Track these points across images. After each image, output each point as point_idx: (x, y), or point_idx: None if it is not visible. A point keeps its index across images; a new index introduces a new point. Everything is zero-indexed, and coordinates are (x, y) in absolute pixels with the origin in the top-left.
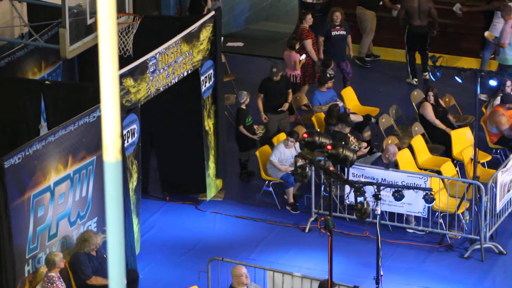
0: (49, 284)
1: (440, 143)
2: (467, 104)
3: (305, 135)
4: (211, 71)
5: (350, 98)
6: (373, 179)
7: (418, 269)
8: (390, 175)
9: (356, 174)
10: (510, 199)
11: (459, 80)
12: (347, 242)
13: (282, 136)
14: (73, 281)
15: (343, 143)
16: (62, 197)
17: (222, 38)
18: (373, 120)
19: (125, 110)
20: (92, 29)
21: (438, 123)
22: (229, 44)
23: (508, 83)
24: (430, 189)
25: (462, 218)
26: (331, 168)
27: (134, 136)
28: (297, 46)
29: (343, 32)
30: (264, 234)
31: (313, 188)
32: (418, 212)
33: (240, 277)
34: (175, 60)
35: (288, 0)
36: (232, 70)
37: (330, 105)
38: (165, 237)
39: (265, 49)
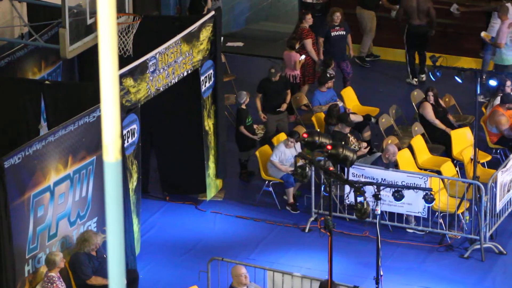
0: (49, 284)
1: (440, 143)
2: (467, 104)
3: (305, 135)
4: (211, 71)
5: (350, 98)
6: (373, 179)
7: (418, 269)
8: (390, 175)
9: (356, 174)
10: (510, 199)
11: (459, 80)
12: (347, 242)
13: (282, 136)
14: (73, 281)
15: (343, 143)
16: (62, 197)
17: (222, 38)
18: (373, 120)
19: (125, 110)
20: (92, 29)
21: (438, 123)
22: (229, 44)
23: (508, 83)
24: (430, 189)
25: (462, 218)
26: (331, 168)
27: (134, 136)
28: (297, 46)
29: (343, 32)
30: (264, 234)
31: (313, 188)
32: (418, 212)
33: (239, 277)
34: (175, 60)
35: (288, 0)
36: (232, 70)
37: (330, 105)
38: (165, 237)
39: (265, 49)
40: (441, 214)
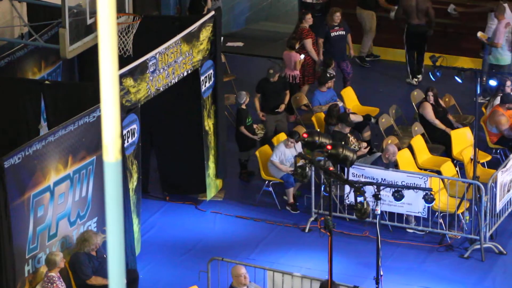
0: (49, 284)
1: (440, 143)
2: (467, 104)
3: (305, 135)
4: (211, 71)
5: (350, 98)
6: (373, 179)
7: (418, 269)
8: (390, 175)
9: (356, 174)
10: (510, 199)
11: (459, 80)
12: (347, 242)
13: (282, 136)
14: (73, 281)
15: (343, 143)
16: (62, 197)
17: (222, 38)
18: (373, 120)
19: (125, 110)
20: (92, 29)
21: (438, 123)
22: (229, 44)
23: (508, 83)
24: (430, 189)
25: (462, 218)
26: (331, 168)
27: (134, 136)
28: (297, 46)
29: (342, 32)
30: (264, 234)
31: (313, 188)
32: (418, 212)
33: (239, 277)
34: (175, 60)
35: (288, 0)
36: (232, 70)
37: (330, 105)
38: (165, 237)
39: (265, 49)
40: (441, 214)
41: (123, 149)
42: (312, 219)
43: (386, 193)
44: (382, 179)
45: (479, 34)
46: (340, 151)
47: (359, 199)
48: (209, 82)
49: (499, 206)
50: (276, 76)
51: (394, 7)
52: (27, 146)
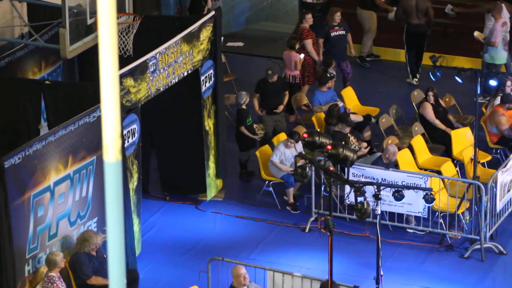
0: (50, 284)
1: (440, 143)
2: (467, 104)
3: (305, 135)
4: (211, 71)
5: (350, 98)
6: (373, 179)
7: (418, 269)
8: (390, 175)
9: (356, 174)
10: (510, 199)
11: (459, 80)
12: (347, 242)
13: (283, 136)
14: (73, 281)
15: (343, 143)
16: (62, 197)
17: (222, 38)
18: (373, 120)
19: (125, 110)
20: (92, 29)
21: (438, 123)
22: (229, 44)
23: (508, 83)
24: (430, 189)
25: (462, 218)
26: (331, 168)
27: (134, 136)
28: (297, 46)
29: (342, 32)
30: (264, 234)
31: (313, 188)
32: (418, 212)
33: (239, 277)
34: (175, 60)
35: (288, 0)
36: (232, 70)
37: (330, 105)
38: (165, 237)
39: (265, 49)
40: (441, 214)
41: (123, 149)
42: (312, 219)
43: (386, 193)
44: (382, 179)
45: (476, 33)
46: (340, 151)
47: (359, 199)
48: (209, 82)
49: (499, 206)
50: (275, 77)
51: (393, 8)
52: (27, 146)
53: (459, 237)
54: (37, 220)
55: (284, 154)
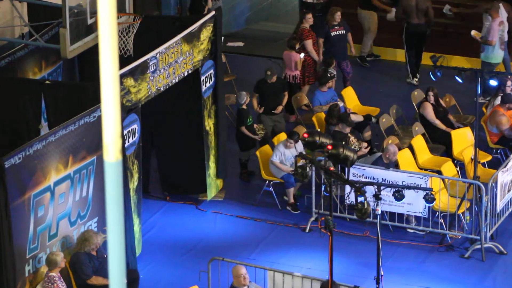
0: (50, 284)
1: (440, 143)
2: (468, 104)
3: (305, 135)
4: (212, 71)
5: (350, 98)
6: (374, 179)
7: (418, 269)
8: (390, 175)
9: (357, 174)
10: (511, 199)
11: (460, 80)
12: (348, 242)
13: (283, 136)
14: (74, 281)
15: (343, 143)
16: (62, 197)
17: (223, 38)
18: (373, 120)
19: (126, 110)
20: (92, 29)
21: (438, 123)
22: (230, 44)
23: (509, 83)
24: (430, 189)
25: (462, 218)
26: (332, 168)
27: (134, 136)
28: (297, 46)
29: (343, 32)
30: (264, 234)
31: (313, 188)
32: (419, 212)
33: (239, 277)
34: (176, 60)
35: (288, 0)
36: (232, 70)
37: (330, 105)
38: (166, 237)
39: (265, 49)
40: (442, 214)
41: (124, 149)
42: (312, 219)
43: (387, 193)
44: (382, 179)
45: (473, 32)
46: (341, 151)
47: (360, 199)
48: (209, 82)
49: (499, 206)
50: (274, 78)
51: (392, 8)
52: (28, 146)
53: (460, 237)
54: (37, 220)
55: (284, 155)
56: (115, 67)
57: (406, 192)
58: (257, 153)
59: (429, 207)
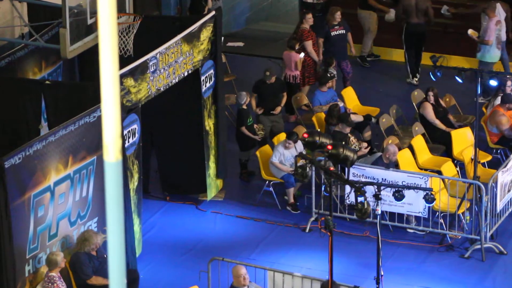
0: (50, 284)
1: (440, 143)
2: (468, 104)
3: (305, 135)
4: (212, 71)
5: (350, 98)
6: (374, 179)
7: (418, 269)
8: (390, 175)
9: (357, 174)
10: (511, 199)
11: (460, 80)
12: (348, 242)
13: (283, 136)
14: (74, 281)
15: (343, 143)
16: (62, 197)
17: (223, 38)
18: (373, 120)
19: (126, 110)
20: (92, 29)
21: (438, 123)
22: (230, 44)
23: (509, 83)
24: (430, 189)
25: (462, 218)
26: (332, 168)
27: (135, 136)
28: (297, 47)
29: (342, 31)
30: (264, 234)
31: (313, 188)
32: (419, 212)
33: (238, 277)
34: (176, 60)
35: (288, 0)
36: (232, 70)
37: (330, 105)
38: (166, 237)
39: (265, 49)
40: (442, 214)
41: (124, 149)
42: (312, 219)
43: (387, 193)
44: (382, 179)
45: (470, 31)
46: (341, 151)
47: (360, 199)
48: (209, 82)
49: (499, 206)
50: (273, 78)
51: (389, 9)
52: (28, 146)
53: (460, 237)
54: (37, 220)
55: (283, 155)
56: (115, 67)
57: (406, 192)
58: (257, 153)
59: (429, 207)
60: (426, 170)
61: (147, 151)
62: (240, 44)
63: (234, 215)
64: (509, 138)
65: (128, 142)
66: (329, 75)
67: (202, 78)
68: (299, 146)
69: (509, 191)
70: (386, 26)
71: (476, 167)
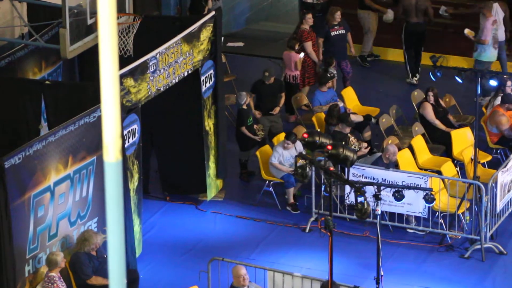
0: (50, 284)
1: (440, 143)
2: (467, 104)
3: (305, 135)
4: (212, 71)
5: (350, 98)
6: (374, 179)
7: (418, 269)
8: (390, 175)
9: (357, 174)
10: (511, 199)
11: (459, 80)
12: (348, 242)
13: (282, 136)
14: (73, 281)
15: (343, 143)
16: (62, 197)
17: (223, 38)
18: (373, 120)
19: (126, 110)
20: (92, 29)
21: (438, 123)
22: (230, 44)
23: (509, 83)
24: (430, 189)
25: (462, 218)
26: (332, 168)
27: (135, 137)
28: (296, 47)
29: (342, 31)
30: (264, 234)
31: (313, 188)
32: (419, 212)
33: (238, 278)
34: (176, 60)
35: (288, 0)
36: (232, 70)
37: (330, 105)
38: (166, 237)
39: (265, 49)
40: (442, 214)
41: (124, 149)
42: (312, 219)
43: (387, 193)
44: (382, 179)
45: (466, 31)
46: (341, 151)
47: (360, 199)
48: (209, 82)
49: (499, 206)
50: (272, 79)
51: (387, 9)
52: (28, 146)
53: (459, 237)
54: (37, 220)
55: (282, 156)
56: (115, 67)
57: (406, 192)
58: (257, 153)
59: (429, 207)
60: (426, 170)
61: (147, 151)
62: (240, 44)
63: (234, 215)
64: (509, 138)
65: (128, 142)
66: (329, 75)
67: (202, 78)
68: (299, 146)
69: (509, 191)
70: (385, 26)
71: (476, 167)
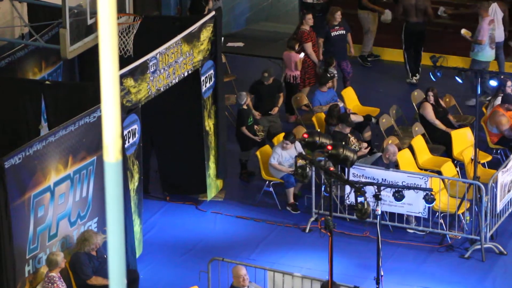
0: (50, 284)
1: (440, 143)
2: (467, 104)
3: (305, 136)
4: (212, 71)
5: (350, 98)
6: (374, 179)
7: (418, 270)
8: (390, 175)
9: (357, 174)
10: (511, 199)
11: (460, 80)
12: (348, 242)
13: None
14: (74, 281)
15: (343, 143)
16: (62, 197)
17: (223, 38)
18: (373, 120)
19: (126, 111)
20: (92, 29)
21: (438, 123)
22: (230, 44)
23: (509, 83)
24: (430, 189)
25: (462, 218)
26: (332, 168)
27: (135, 137)
28: (296, 47)
29: (343, 32)
30: (264, 234)
31: (313, 188)
32: (419, 212)
33: (238, 278)
34: (176, 60)
35: (288, 0)
36: (232, 70)
37: (330, 105)
38: (166, 237)
39: (265, 49)
40: (442, 215)
41: (124, 150)
42: (312, 219)
43: (387, 193)
44: (382, 179)
45: (463, 31)
46: (341, 152)
47: (360, 199)
48: (209, 83)
49: (499, 206)
50: (271, 80)
51: (384, 10)
52: (28, 146)
53: (459, 238)
54: (37, 220)
55: (281, 156)
56: (115, 67)
57: (406, 193)
58: (257, 153)
59: (429, 207)
60: (426, 170)
61: (147, 151)
62: (240, 44)
63: (234, 215)
64: (509, 138)
65: (128, 142)
66: (329, 75)
67: (202, 78)
68: (299, 146)
69: (509, 191)
70: (385, 26)
71: (476, 167)
